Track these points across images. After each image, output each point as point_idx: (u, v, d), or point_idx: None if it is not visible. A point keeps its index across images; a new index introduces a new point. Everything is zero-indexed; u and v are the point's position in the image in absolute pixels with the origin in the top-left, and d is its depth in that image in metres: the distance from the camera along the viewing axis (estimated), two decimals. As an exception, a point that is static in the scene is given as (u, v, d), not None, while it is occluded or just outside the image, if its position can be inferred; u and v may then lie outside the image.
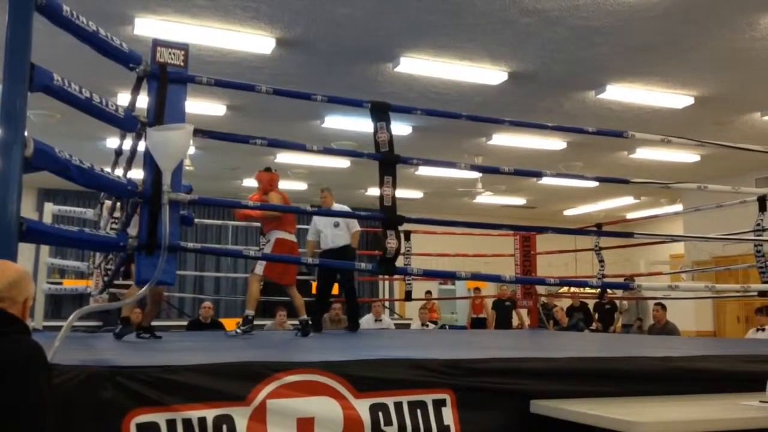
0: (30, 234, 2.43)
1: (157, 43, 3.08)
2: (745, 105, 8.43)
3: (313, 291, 6.70)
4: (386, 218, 3.32)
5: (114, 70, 3.37)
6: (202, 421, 2.19)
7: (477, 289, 12.19)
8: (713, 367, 3.07)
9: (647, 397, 2.76)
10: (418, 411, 2.47)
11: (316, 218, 6.40)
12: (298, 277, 6.05)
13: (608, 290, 9.04)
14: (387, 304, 11.96)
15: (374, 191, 11.27)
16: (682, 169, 11.25)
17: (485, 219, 4.16)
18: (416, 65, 7.07)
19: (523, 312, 9.99)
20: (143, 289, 2.77)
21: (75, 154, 2.60)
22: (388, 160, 3.39)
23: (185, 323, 8.62)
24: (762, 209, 5.61)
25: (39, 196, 12.04)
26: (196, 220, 6.33)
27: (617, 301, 10.04)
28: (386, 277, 10.13)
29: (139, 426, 2.13)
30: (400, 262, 3.59)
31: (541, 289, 9.85)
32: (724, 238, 6.30)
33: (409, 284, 7.96)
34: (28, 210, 9.92)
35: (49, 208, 6.69)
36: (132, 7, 5.82)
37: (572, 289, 11.32)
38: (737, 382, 2.92)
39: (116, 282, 5.65)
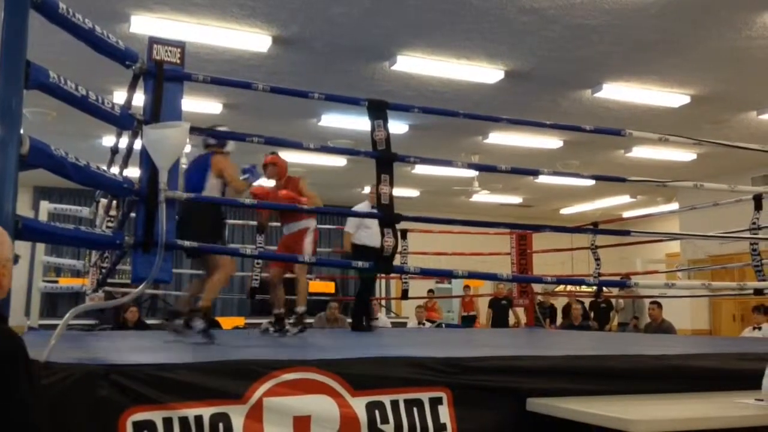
0: (25, 232, 2.42)
1: (153, 40, 3.07)
2: (742, 104, 8.45)
3: (311, 289, 6.67)
4: (384, 216, 3.32)
5: (110, 68, 3.35)
6: (198, 419, 2.19)
7: (467, 287, 12.21)
8: (709, 365, 3.07)
9: (643, 394, 2.76)
10: (415, 409, 2.47)
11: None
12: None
13: (604, 288, 9.08)
14: (383, 302, 11.96)
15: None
16: (678, 167, 11.27)
17: (482, 218, 4.15)
18: (413, 64, 7.06)
19: (520, 310, 10.00)
20: (140, 287, 2.77)
21: (71, 152, 2.60)
22: (385, 159, 3.38)
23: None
24: (758, 208, 5.63)
25: (35, 195, 11.95)
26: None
27: (613, 300, 10.06)
28: (383, 275, 10.11)
29: (135, 424, 2.12)
30: (396, 261, 3.58)
31: (537, 288, 9.87)
32: (720, 237, 6.31)
33: (406, 283, 7.96)
34: (23, 208, 9.84)
35: (45, 206, 6.69)
36: (128, 5, 5.81)
37: (568, 288, 11.35)
38: (733, 380, 2.92)
39: (110, 280, 5.62)
